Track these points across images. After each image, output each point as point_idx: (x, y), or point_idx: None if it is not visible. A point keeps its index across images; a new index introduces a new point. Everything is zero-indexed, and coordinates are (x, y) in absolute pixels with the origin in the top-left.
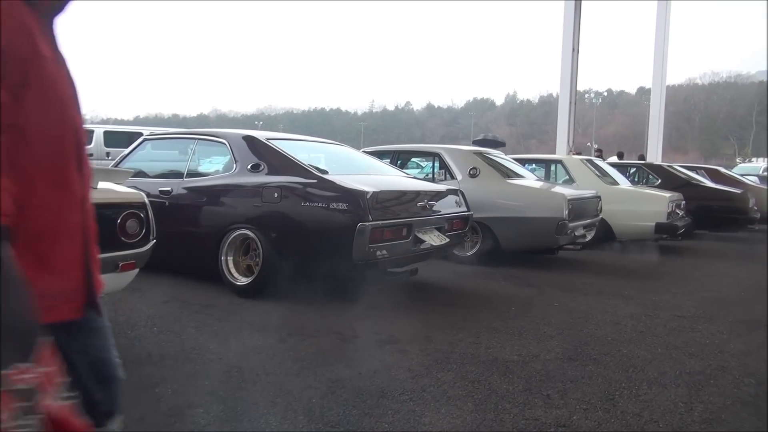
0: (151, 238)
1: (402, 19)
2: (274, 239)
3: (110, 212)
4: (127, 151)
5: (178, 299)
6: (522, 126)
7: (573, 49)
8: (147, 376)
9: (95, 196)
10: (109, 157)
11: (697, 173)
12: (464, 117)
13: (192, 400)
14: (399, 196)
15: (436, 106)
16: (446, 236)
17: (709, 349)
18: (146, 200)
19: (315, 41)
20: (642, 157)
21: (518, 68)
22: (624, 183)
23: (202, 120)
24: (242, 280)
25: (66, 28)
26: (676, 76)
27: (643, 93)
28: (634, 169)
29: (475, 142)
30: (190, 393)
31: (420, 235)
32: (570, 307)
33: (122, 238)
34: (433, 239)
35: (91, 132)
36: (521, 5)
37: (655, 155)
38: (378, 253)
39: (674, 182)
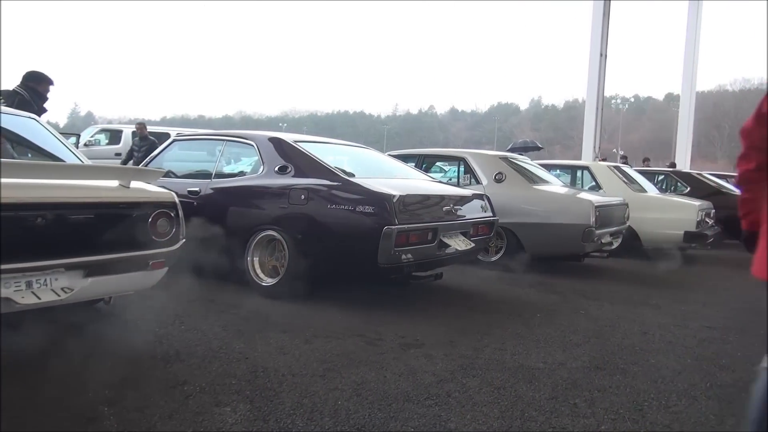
0: (181, 237)
1: (426, 22)
2: (300, 241)
3: (142, 211)
4: (156, 151)
5: (204, 298)
6: (546, 131)
7: (601, 55)
8: (175, 373)
9: (128, 195)
10: None
11: (728, 182)
12: (488, 121)
13: (219, 398)
14: (425, 200)
15: (459, 110)
16: (471, 241)
17: (740, 362)
18: (177, 200)
19: (339, 44)
20: (673, 165)
21: (543, 73)
22: (652, 190)
23: (227, 121)
24: (268, 281)
25: (94, 30)
26: (705, 83)
27: (671, 99)
28: (663, 176)
29: (511, 150)
30: (217, 391)
31: (445, 240)
32: (596, 315)
33: (153, 237)
34: (458, 244)
35: (120, 132)
36: (546, 8)
37: (683, 163)
38: (403, 256)
39: (704, 190)
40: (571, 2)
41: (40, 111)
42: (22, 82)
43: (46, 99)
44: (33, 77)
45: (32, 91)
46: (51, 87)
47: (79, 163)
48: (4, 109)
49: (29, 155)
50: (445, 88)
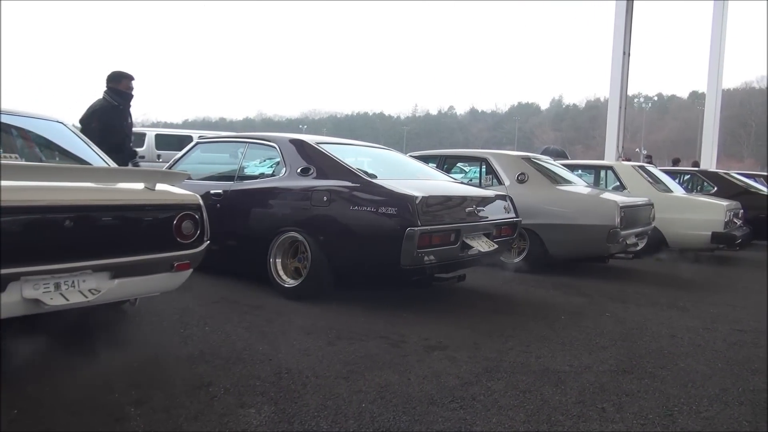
0: (205, 239)
1: (445, 22)
2: (323, 242)
3: (167, 213)
4: (180, 153)
5: (228, 300)
6: (568, 131)
7: (624, 53)
8: (200, 374)
9: (153, 198)
10: (160, 159)
11: (756, 181)
12: (508, 121)
13: (244, 400)
14: (447, 201)
15: (479, 111)
16: (494, 242)
17: None
18: (201, 202)
19: (358, 45)
20: (696, 164)
21: (564, 72)
22: (678, 190)
23: (248, 123)
24: (290, 282)
25: (116, 34)
26: (731, 80)
27: (696, 97)
28: (688, 176)
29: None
30: (242, 393)
31: (468, 241)
32: (623, 317)
33: (178, 239)
34: (481, 245)
35: (143, 135)
36: (567, 6)
37: (709, 162)
38: (426, 258)
39: (731, 190)
40: (593, 0)
41: (127, 109)
42: (106, 87)
43: (131, 96)
44: (112, 78)
45: (114, 92)
46: (132, 82)
47: (106, 166)
48: (31, 113)
49: (57, 158)
50: (465, 89)
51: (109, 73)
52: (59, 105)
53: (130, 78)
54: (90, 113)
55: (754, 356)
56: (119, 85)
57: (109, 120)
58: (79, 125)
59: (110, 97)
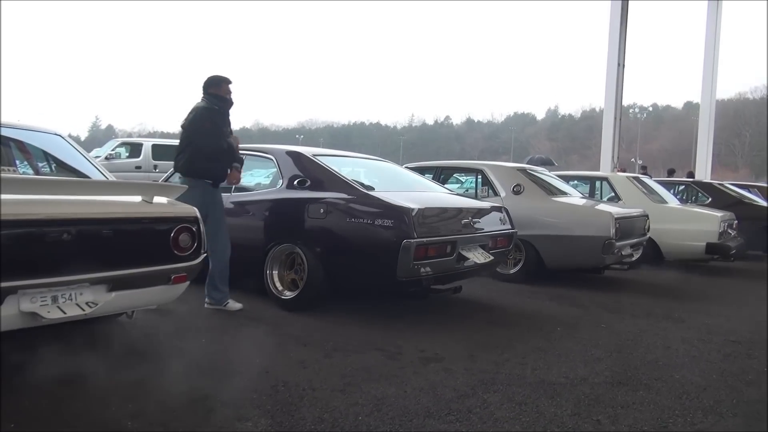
0: (202, 251)
1: (442, 32)
2: (319, 254)
3: (164, 226)
4: None
5: (224, 312)
6: (563, 141)
7: (618, 64)
8: (197, 387)
9: (151, 210)
10: (157, 170)
11: (750, 191)
12: (504, 131)
13: (241, 413)
14: (443, 213)
15: (475, 121)
16: (490, 254)
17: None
18: (198, 215)
19: (355, 54)
20: (691, 174)
21: (560, 82)
22: (672, 201)
23: (244, 133)
24: (287, 294)
25: (114, 44)
26: (725, 91)
27: (690, 108)
28: (683, 187)
29: (529, 163)
30: (239, 406)
31: (464, 253)
32: (618, 328)
33: (175, 252)
34: (477, 257)
35: (140, 145)
36: (562, 17)
37: (704, 172)
38: (422, 270)
39: (726, 201)
40: (588, 10)
41: (226, 114)
42: (203, 93)
43: (230, 101)
44: (210, 83)
45: (214, 98)
46: (230, 86)
47: (104, 179)
48: (29, 125)
49: (55, 171)
50: (461, 98)
51: (205, 79)
52: (48, 115)
53: (228, 81)
54: (192, 117)
55: (749, 367)
56: (219, 91)
57: (213, 125)
58: (180, 130)
59: (210, 101)
